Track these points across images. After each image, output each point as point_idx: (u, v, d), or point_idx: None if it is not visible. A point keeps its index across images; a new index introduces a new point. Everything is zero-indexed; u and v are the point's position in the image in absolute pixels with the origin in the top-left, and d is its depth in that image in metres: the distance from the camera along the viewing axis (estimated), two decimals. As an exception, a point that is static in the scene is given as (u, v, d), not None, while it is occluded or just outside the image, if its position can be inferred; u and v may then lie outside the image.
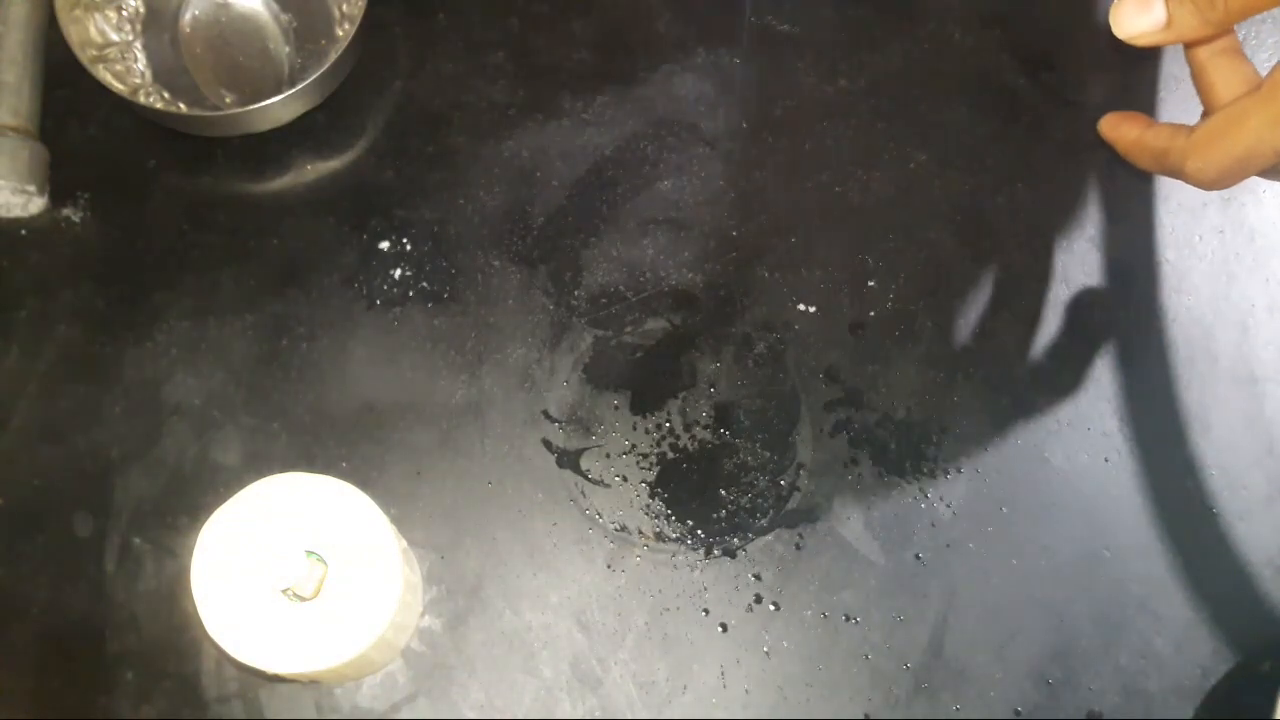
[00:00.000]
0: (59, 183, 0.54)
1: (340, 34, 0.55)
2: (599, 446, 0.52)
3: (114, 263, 0.54)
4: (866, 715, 0.49)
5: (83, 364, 0.52)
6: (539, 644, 0.49)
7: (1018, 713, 0.49)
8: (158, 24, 0.56)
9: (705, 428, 0.53)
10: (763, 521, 0.51)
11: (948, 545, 0.51)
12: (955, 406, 0.53)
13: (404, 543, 0.45)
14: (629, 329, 0.54)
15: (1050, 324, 0.55)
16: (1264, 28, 0.60)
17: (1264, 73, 0.41)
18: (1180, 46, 0.45)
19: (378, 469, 0.51)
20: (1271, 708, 0.44)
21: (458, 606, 0.50)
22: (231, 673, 0.48)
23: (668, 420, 0.53)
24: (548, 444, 0.52)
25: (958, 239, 0.56)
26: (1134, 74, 0.60)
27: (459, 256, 0.54)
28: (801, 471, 0.52)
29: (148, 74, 0.55)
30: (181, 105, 0.54)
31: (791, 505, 0.52)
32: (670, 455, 0.52)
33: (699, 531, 0.51)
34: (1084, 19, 0.60)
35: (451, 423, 0.52)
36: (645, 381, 0.53)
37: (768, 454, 0.52)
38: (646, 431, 0.52)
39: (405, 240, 0.54)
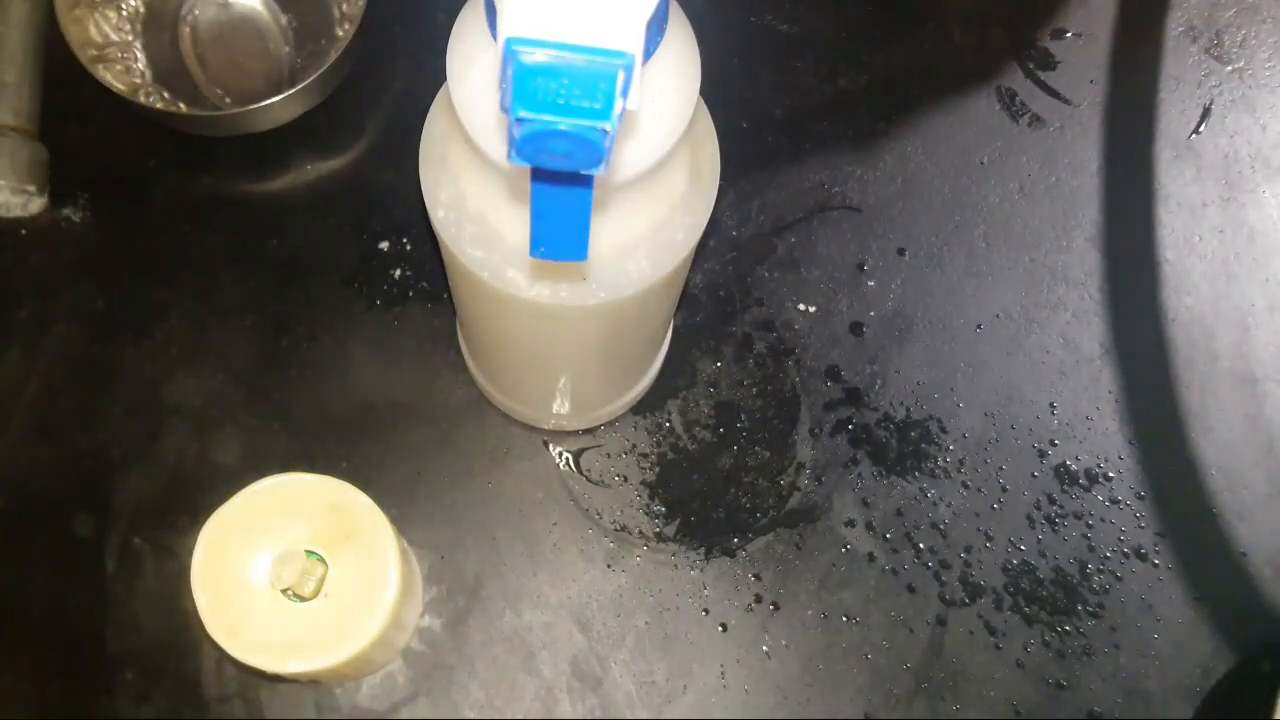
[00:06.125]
0: (59, 183, 0.54)
1: (340, 34, 0.55)
2: (599, 446, 0.52)
3: (114, 263, 0.54)
4: (866, 715, 0.49)
5: (83, 364, 0.52)
6: (539, 644, 0.49)
7: (1018, 713, 0.49)
8: (158, 24, 0.56)
9: (705, 428, 0.53)
10: (763, 521, 0.51)
11: (947, 544, 0.51)
12: (955, 407, 0.53)
13: (404, 543, 0.45)
14: (629, 329, 0.54)
15: (1050, 324, 0.55)
16: (1264, 28, 0.60)
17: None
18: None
19: (378, 469, 0.51)
20: (1271, 708, 0.44)
21: (458, 606, 0.50)
22: (231, 673, 0.48)
23: (668, 420, 0.53)
24: (548, 444, 0.52)
25: (957, 238, 0.56)
26: (1134, 74, 0.60)
27: (459, 256, 0.54)
28: (801, 471, 0.52)
29: (148, 74, 0.55)
30: (181, 105, 0.54)
31: (791, 505, 0.52)
32: (670, 455, 0.52)
33: (699, 531, 0.51)
34: (1084, 19, 0.60)
35: (451, 423, 0.52)
36: (645, 381, 0.53)
37: (768, 454, 0.52)
38: (647, 431, 0.52)
39: (405, 240, 0.54)
